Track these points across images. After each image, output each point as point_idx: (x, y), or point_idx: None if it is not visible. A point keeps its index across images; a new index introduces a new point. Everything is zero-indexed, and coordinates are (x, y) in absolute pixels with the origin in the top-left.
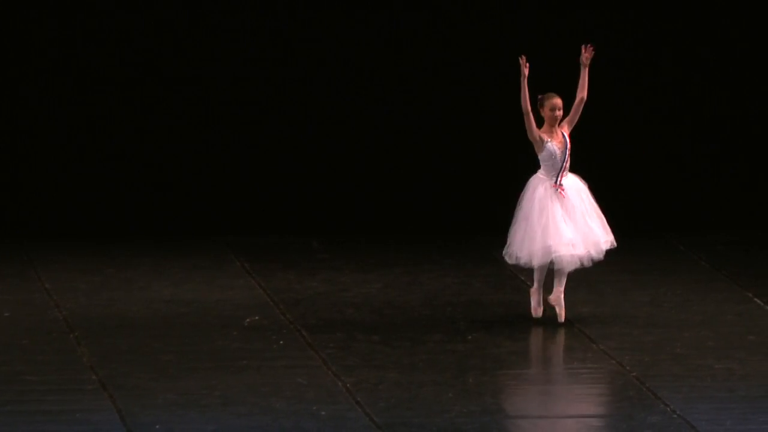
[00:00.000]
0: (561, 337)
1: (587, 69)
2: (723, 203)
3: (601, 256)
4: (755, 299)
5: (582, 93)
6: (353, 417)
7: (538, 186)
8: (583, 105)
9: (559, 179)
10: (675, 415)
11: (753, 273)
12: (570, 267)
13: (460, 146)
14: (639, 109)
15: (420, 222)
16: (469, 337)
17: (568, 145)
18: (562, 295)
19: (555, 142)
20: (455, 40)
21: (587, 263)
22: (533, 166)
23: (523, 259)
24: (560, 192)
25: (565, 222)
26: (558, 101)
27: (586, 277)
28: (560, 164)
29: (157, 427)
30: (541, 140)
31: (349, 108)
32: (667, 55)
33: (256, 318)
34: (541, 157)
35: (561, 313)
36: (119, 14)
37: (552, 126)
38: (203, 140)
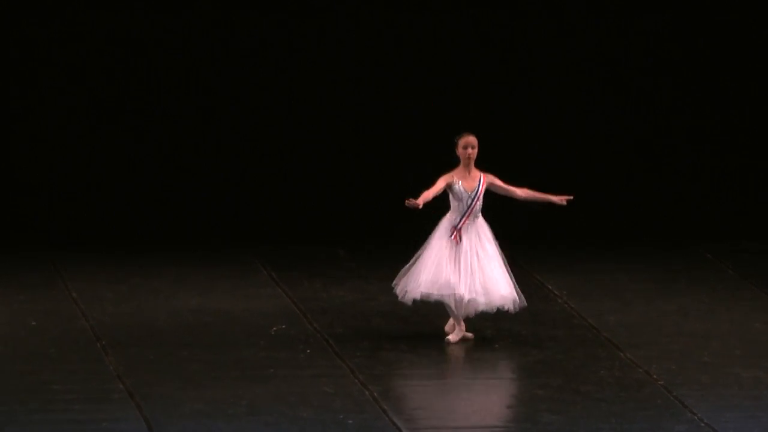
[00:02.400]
0: (588, 345)
1: (546, 199)
2: (750, 212)
3: (495, 307)
4: None
5: (523, 195)
6: (380, 426)
7: (441, 230)
8: (508, 194)
9: (461, 223)
10: (702, 424)
11: None
12: (453, 305)
13: (482, 155)
14: (665, 118)
15: None
16: (496, 346)
17: (479, 191)
18: (458, 327)
19: (464, 184)
20: (463, 40)
21: (473, 308)
22: (554, 175)
23: (401, 294)
24: (454, 238)
25: (451, 264)
26: (470, 139)
27: (614, 286)
28: (465, 208)
29: None
30: (449, 186)
31: (376, 117)
32: (692, 65)
33: (283, 327)
34: (450, 197)
35: (451, 336)
36: (137, 20)
37: (467, 166)
38: (231, 151)
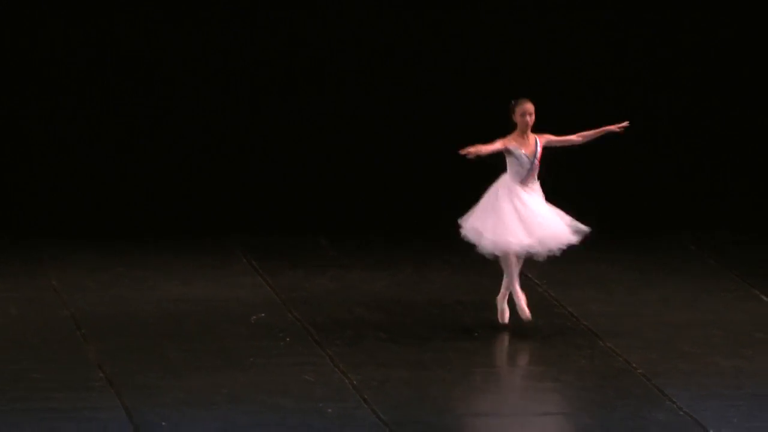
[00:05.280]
0: (568, 334)
1: (602, 132)
2: (733, 202)
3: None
4: (764, 297)
5: (580, 140)
6: (361, 415)
7: (502, 191)
8: (568, 144)
9: (525, 183)
10: (682, 412)
11: (762, 271)
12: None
13: (470, 144)
14: (648, 106)
15: (429, 220)
16: (476, 334)
17: (538, 154)
18: (505, 298)
19: (523, 149)
20: (458, 37)
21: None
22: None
23: (486, 245)
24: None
25: (519, 220)
26: (529, 106)
27: (596, 275)
28: (526, 172)
29: (165, 424)
30: (508, 150)
31: (358, 105)
32: (676, 52)
33: (263, 316)
34: (508, 161)
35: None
36: (123, 10)
37: (524, 132)
38: (212, 139)
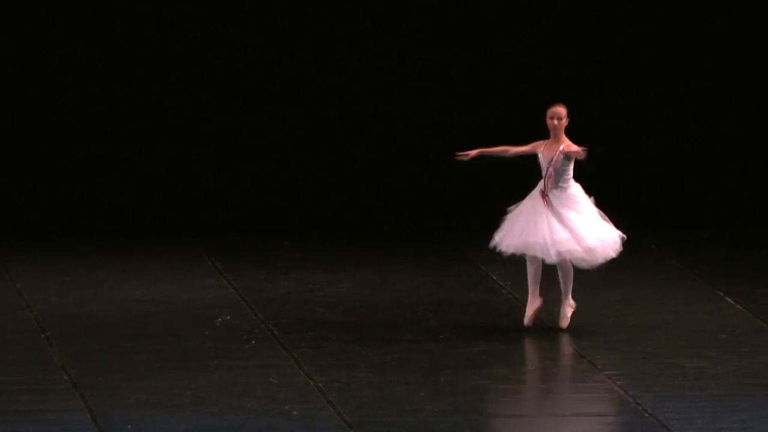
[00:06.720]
0: (532, 336)
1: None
2: (694, 202)
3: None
4: (726, 298)
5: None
6: (325, 416)
7: (533, 193)
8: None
9: (546, 189)
10: (646, 414)
11: (724, 272)
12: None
13: (433, 145)
14: (612, 107)
15: (392, 221)
16: (441, 337)
17: (554, 161)
18: (564, 307)
19: (545, 152)
20: (438, 39)
21: (576, 262)
22: (510, 167)
23: (503, 248)
24: (544, 200)
25: (543, 223)
26: (557, 110)
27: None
28: (544, 175)
29: (129, 426)
30: (534, 151)
31: (321, 108)
32: (647, 53)
33: (228, 317)
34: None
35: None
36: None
37: (554, 137)
38: (176, 141)
